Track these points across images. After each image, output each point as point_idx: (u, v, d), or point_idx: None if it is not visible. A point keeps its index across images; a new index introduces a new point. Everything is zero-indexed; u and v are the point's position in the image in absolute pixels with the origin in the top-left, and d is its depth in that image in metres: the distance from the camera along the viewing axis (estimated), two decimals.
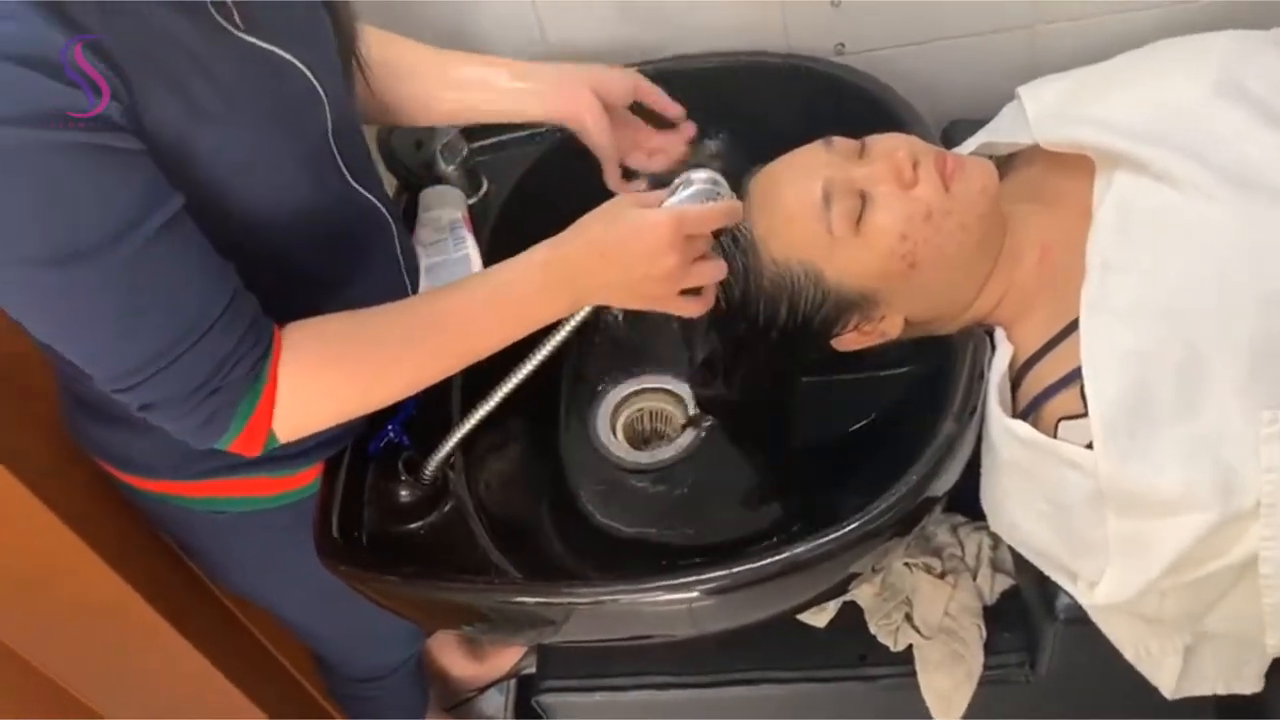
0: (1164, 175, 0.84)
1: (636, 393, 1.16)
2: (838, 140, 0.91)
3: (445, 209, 1.12)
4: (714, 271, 0.83)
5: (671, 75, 1.19)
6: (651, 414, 1.15)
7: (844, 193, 0.87)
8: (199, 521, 0.99)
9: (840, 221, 0.86)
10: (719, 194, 0.83)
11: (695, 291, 0.83)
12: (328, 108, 0.82)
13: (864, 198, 0.86)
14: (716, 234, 0.86)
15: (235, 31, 0.75)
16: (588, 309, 0.83)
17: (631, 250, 0.78)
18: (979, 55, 1.21)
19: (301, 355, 0.76)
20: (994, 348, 0.92)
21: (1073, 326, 0.84)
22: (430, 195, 1.14)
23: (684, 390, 1.15)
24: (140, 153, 0.67)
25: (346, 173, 0.86)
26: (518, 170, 1.19)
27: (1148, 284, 0.82)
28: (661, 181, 0.87)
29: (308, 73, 0.80)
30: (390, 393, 0.81)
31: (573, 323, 0.84)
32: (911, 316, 0.92)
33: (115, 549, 1.02)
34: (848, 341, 0.93)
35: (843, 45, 1.21)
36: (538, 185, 1.18)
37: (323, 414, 0.79)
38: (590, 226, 0.80)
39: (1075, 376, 0.83)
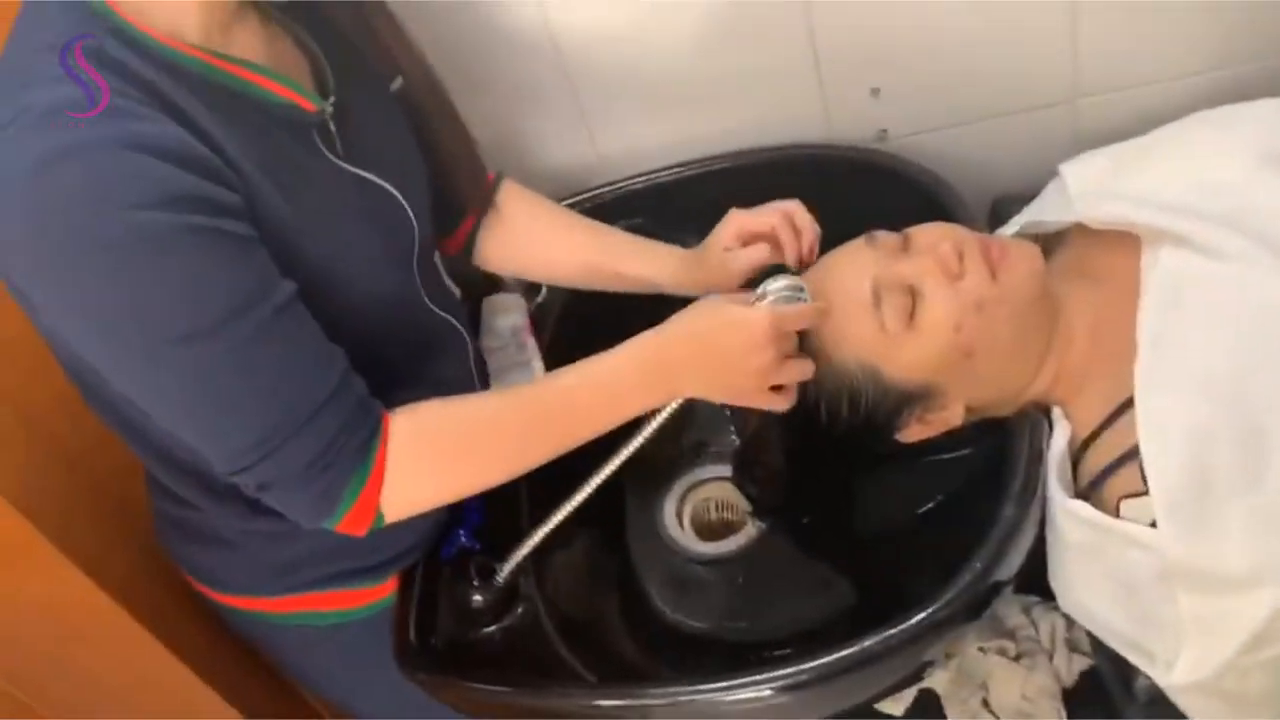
0: (1209, 249, 0.84)
1: (701, 483, 1.17)
2: (880, 235, 0.92)
3: (507, 316, 1.16)
4: (803, 369, 0.85)
5: (723, 172, 1.23)
6: (718, 504, 1.16)
7: (893, 289, 0.88)
8: (287, 636, 1.02)
9: (893, 318, 0.88)
10: (801, 298, 0.85)
11: (778, 388, 0.86)
12: (416, 233, 0.88)
13: (914, 292, 0.88)
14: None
15: (334, 159, 0.81)
16: (679, 402, 0.85)
17: (729, 345, 0.81)
18: (1021, 131, 1.22)
19: (409, 435, 0.79)
20: (1052, 427, 0.92)
21: (1129, 404, 0.84)
22: (493, 303, 1.18)
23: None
24: (256, 239, 0.73)
25: (424, 293, 0.92)
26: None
27: (1201, 358, 0.81)
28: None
29: (401, 199, 0.86)
30: (492, 477, 0.83)
31: (663, 415, 0.86)
32: (971, 403, 0.92)
33: (205, 663, 1.06)
34: (912, 434, 0.94)
35: (885, 131, 1.24)
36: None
37: (428, 494, 0.82)
38: (689, 320, 0.83)
39: (1134, 454, 0.82)
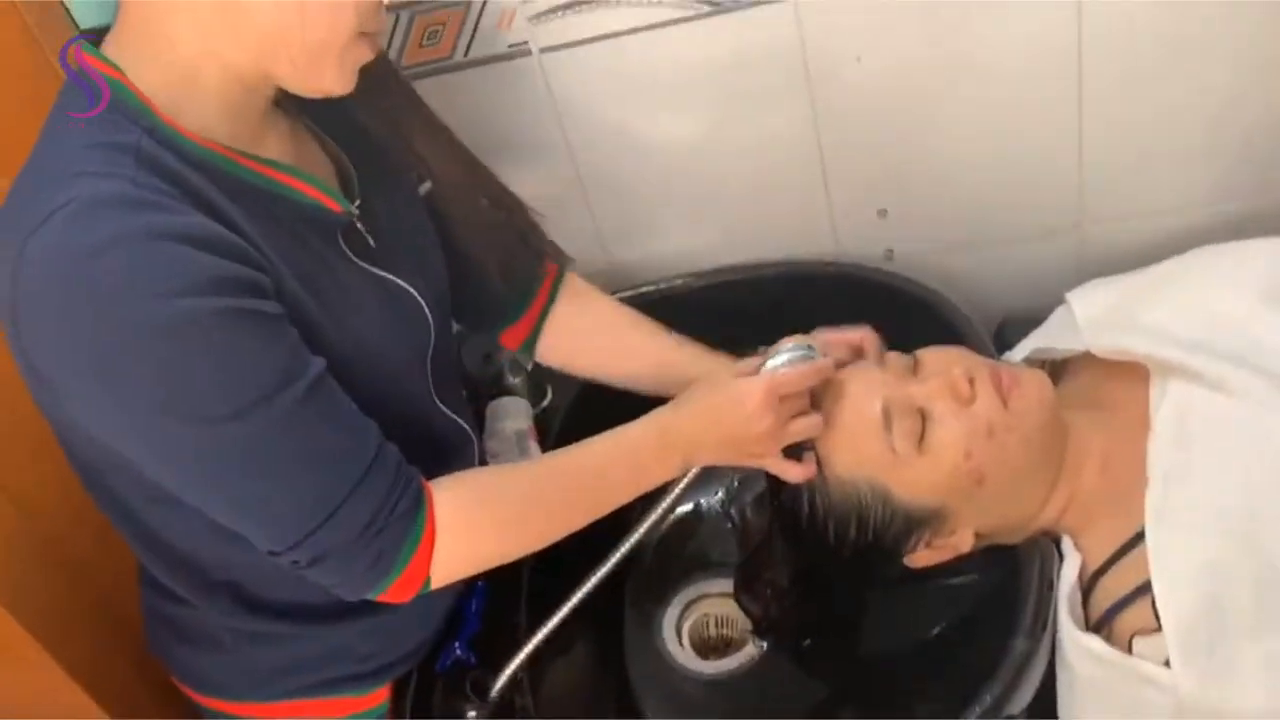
0: (1218, 384, 0.85)
1: (702, 597, 1.16)
2: (890, 355, 0.93)
3: (512, 420, 1.16)
4: (811, 427, 0.89)
5: (731, 285, 1.24)
6: (718, 619, 1.14)
7: (904, 411, 0.88)
8: None
9: (903, 441, 0.87)
10: (811, 358, 0.89)
11: (798, 456, 0.90)
12: (432, 333, 0.89)
13: (924, 415, 0.88)
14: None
15: (358, 260, 0.83)
16: (695, 470, 0.89)
17: (732, 414, 0.86)
18: (1027, 256, 1.24)
19: (454, 500, 0.79)
20: (1062, 557, 0.91)
21: (1139, 538, 0.84)
22: (498, 407, 1.17)
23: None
24: (286, 317, 0.73)
25: (435, 393, 0.92)
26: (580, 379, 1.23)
27: (1213, 494, 0.81)
28: None
29: (420, 300, 0.87)
30: (530, 543, 0.85)
31: (682, 484, 0.90)
32: (981, 529, 0.92)
33: None
34: (920, 559, 0.93)
35: (891, 251, 1.25)
36: (599, 393, 1.22)
37: (475, 558, 0.83)
38: (697, 395, 0.88)
39: (1146, 589, 0.82)
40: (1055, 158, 1.16)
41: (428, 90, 1.12)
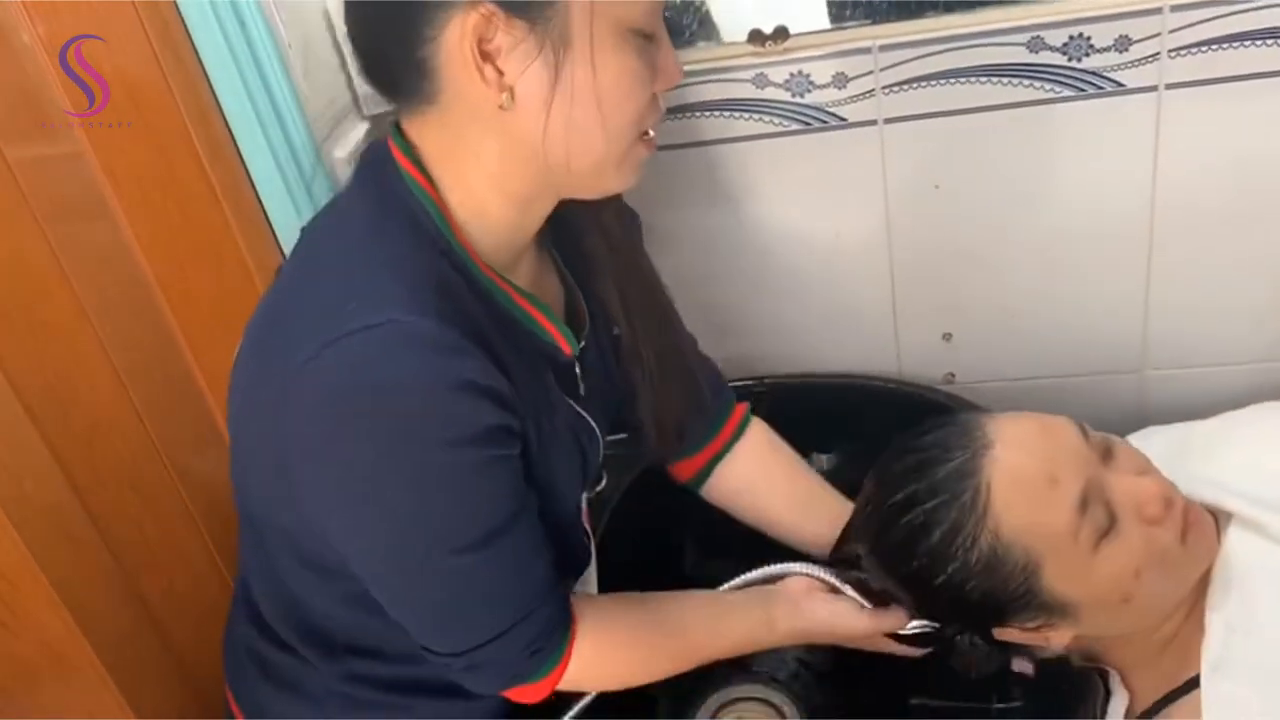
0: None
1: (735, 701, 1.15)
2: (1088, 428, 0.87)
3: None
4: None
5: (792, 390, 1.27)
6: None
7: (1099, 502, 0.81)
8: None
9: (1089, 531, 0.80)
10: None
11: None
12: (598, 466, 0.94)
13: (1112, 516, 0.82)
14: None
15: (569, 400, 0.86)
16: None
17: (844, 639, 0.95)
18: (1087, 394, 1.25)
19: (596, 629, 0.85)
20: (1109, 693, 0.90)
21: (1191, 684, 0.83)
22: None
23: (780, 699, 1.13)
24: (520, 457, 0.78)
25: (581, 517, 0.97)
26: (634, 467, 1.25)
27: (1272, 649, 0.81)
28: None
29: (599, 435, 0.91)
30: (641, 680, 0.90)
31: None
32: (1084, 636, 0.88)
33: None
34: (1009, 635, 0.88)
35: (952, 375, 1.27)
36: (653, 484, 1.23)
37: (596, 684, 0.89)
38: (833, 629, 0.93)
39: None
40: (1122, 301, 1.18)
41: None
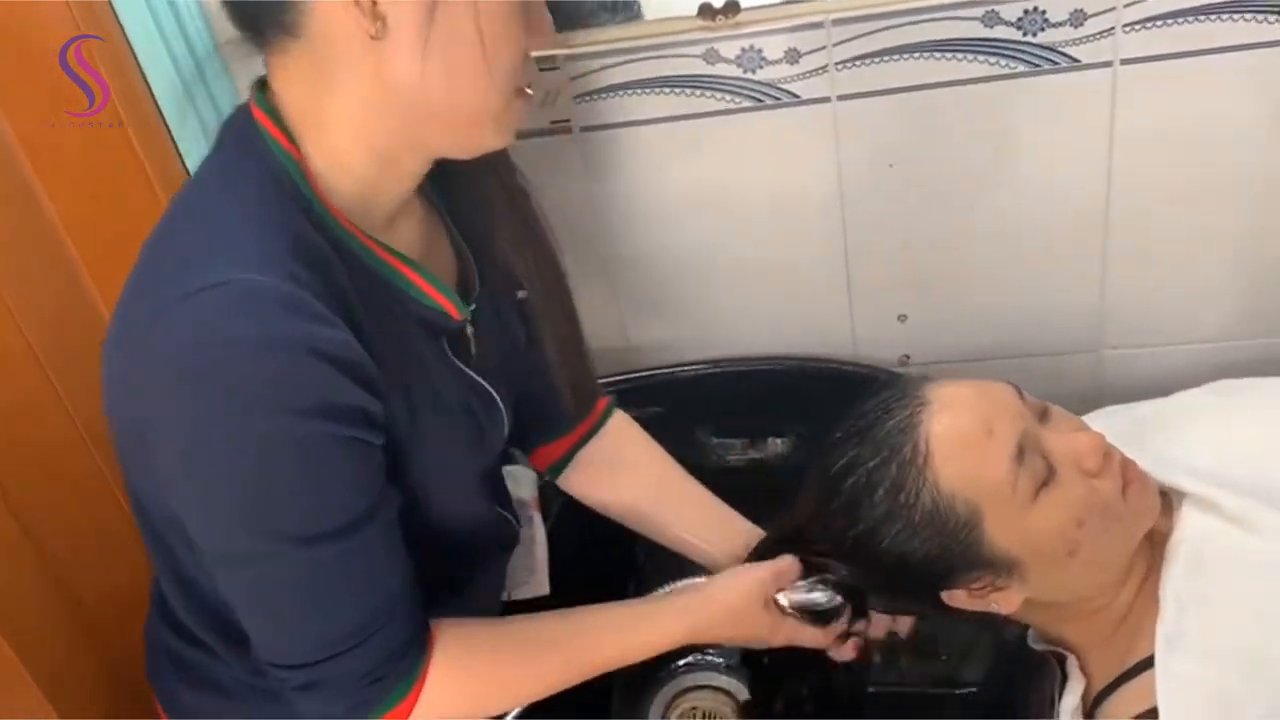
0: (1236, 518, 0.84)
1: (687, 690, 1.13)
2: (1025, 394, 0.87)
3: (519, 487, 1.15)
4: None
5: (745, 374, 1.25)
6: (704, 713, 1.12)
7: (1036, 453, 0.82)
8: None
9: (1027, 481, 0.81)
10: (837, 612, 0.93)
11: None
12: (505, 437, 0.89)
13: (1050, 468, 0.82)
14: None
15: (459, 363, 0.82)
16: None
17: (754, 633, 0.92)
18: (1043, 374, 1.24)
19: (449, 659, 0.79)
20: (1065, 677, 0.89)
21: (1146, 663, 0.82)
22: (508, 474, 1.16)
23: (734, 686, 1.12)
24: (383, 449, 0.73)
25: (494, 491, 0.93)
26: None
27: (1226, 626, 0.80)
28: None
29: (504, 411, 0.87)
30: (510, 705, 0.87)
31: None
32: (1033, 600, 0.86)
33: None
34: (957, 598, 0.87)
35: (908, 357, 1.26)
36: None
37: (456, 713, 0.81)
38: (732, 604, 0.90)
39: (1150, 716, 0.80)
40: (1078, 280, 1.18)
41: None
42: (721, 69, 1.08)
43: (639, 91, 1.10)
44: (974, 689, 0.97)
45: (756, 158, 1.13)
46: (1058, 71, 1.04)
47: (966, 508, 0.82)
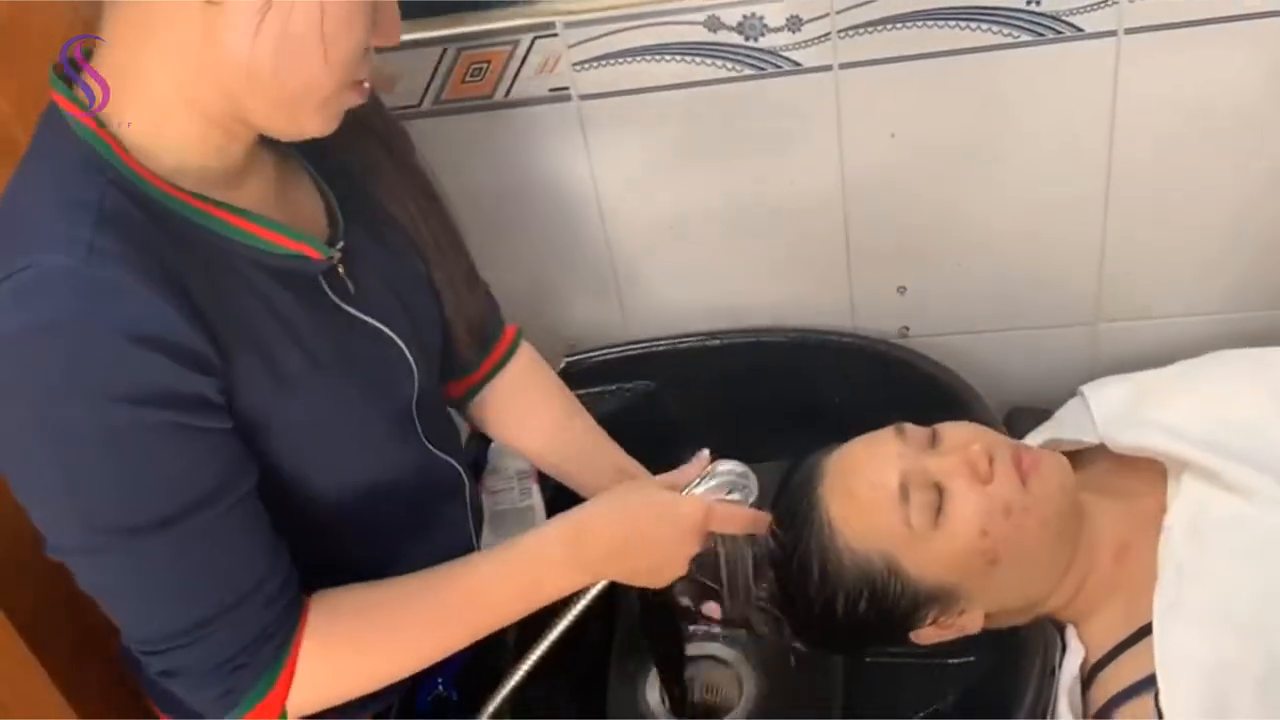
0: (1235, 486, 0.85)
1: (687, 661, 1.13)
2: (909, 428, 0.91)
3: (515, 460, 1.15)
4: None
5: (744, 347, 1.24)
6: (704, 685, 1.12)
7: (921, 485, 0.86)
8: None
9: (919, 515, 0.85)
10: (746, 485, 0.88)
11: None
12: (416, 379, 0.85)
13: (941, 491, 0.86)
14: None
15: (339, 303, 0.79)
16: (603, 584, 0.85)
17: (658, 534, 0.83)
18: (1041, 346, 1.25)
19: (321, 636, 0.76)
20: (1064, 646, 0.90)
21: (1145, 631, 0.83)
22: (501, 446, 1.16)
23: (733, 657, 1.12)
24: (227, 431, 0.70)
25: (424, 438, 0.89)
26: None
27: (1224, 594, 0.81)
28: None
29: (403, 346, 0.84)
30: (403, 671, 0.81)
31: (590, 595, 0.86)
32: (991, 610, 0.90)
33: None
34: (926, 636, 0.90)
35: (907, 329, 1.26)
36: None
37: (334, 694, 0.79)
38: (616, 506, 0.84)
39: (1148, 684, 0.81)
40: (1077, 252, 1.17)
41: (465, 125, 1.15)
42: (723, 36, 1.06)
43: (639, 59, 1.09)
44: (971, 659, 0.97)
45: (756, 126, 1.12)
46: (1062, 40, 1.03)
47: (881, 558, 0.87)
